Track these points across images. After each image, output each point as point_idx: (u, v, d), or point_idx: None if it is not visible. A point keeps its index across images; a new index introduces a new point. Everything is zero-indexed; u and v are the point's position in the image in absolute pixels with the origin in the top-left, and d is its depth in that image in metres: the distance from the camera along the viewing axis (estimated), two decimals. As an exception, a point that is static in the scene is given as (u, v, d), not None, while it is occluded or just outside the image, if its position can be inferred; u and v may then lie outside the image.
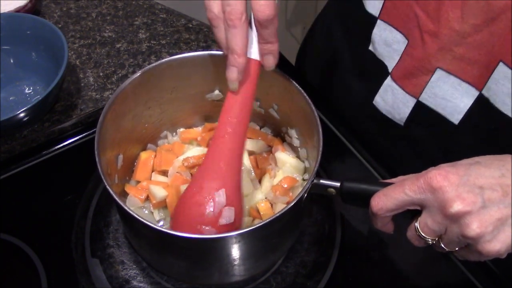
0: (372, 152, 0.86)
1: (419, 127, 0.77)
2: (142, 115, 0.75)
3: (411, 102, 0.74)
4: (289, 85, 0.69)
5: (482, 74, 0.65)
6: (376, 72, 0.78)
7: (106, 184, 0.59)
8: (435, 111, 0.72)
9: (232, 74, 0.57)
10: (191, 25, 1.10)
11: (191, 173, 0.75)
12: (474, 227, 0.49)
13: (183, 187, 0.72)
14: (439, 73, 0.69)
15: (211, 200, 0.60)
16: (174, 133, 0.82)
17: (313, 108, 0.66)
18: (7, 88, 0.96)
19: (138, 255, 0.74)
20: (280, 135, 0.80)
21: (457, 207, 0.50)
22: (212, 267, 0.66)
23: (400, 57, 0.73)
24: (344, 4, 0.86)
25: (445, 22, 0.65)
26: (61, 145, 0.87)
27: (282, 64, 0.99)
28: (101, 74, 1.01)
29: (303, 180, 0.75)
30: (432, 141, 0.77)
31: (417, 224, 0.54)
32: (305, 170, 0.76)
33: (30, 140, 0.87)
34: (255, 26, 0.57)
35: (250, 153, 0.78)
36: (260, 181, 0.75)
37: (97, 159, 0.61)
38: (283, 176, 0.74)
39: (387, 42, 0.75)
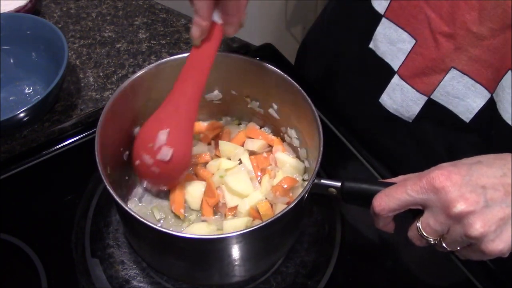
0: (372, 152, 0.86)
1: (427, 124, 0.77)
2: (142, 115, 0.75)
3: (422, 100, 0.75)
4: (289, 85, 0.69)
5: (494, 77, 0.66)
6: (378, 70, 0.78)
7: (106, 184, 0.59)
8: (446, 108, 0.72)
9: (196, 32, 0.62)
10: (191, 25, 1.10)
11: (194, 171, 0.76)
12: (477, 226, 0.49)
13: (188, 184, 0.73)
14: (453, 73, 0.69)
15: (156, 135, 0.67)
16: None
17: (313, 108, 0.66)
18: (7, 88, 0.96)
19: (138, 255, 0.74)
20: (280, 135, 0.80)
21: (460, 207, 0.50)
22: (212, 267, 0.66)
23: (407, 56, 0.73)
24: (348, 1, 0.86)
25: (462, 24, 0.65)
26: (61, 145, 0.87)
27: (282, 64, 1.00)
28: (101, 74, 1.01)
29: (303, 180, 0.75)
30: (439, 137, 0.77)
31: (419, 224, 0.54)
32: (305, 170, 0.76)
33: (30, 140, 0.87)
34: None
35: (251, 153, 0.78)
36: (260, 182, 0.75)
37: (97, 159, 0.61)
38: (283, 177, 0.74)
39: (391, 41, 0.75)
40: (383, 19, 0.75)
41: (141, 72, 0.70)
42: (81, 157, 0.80)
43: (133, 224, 0.63)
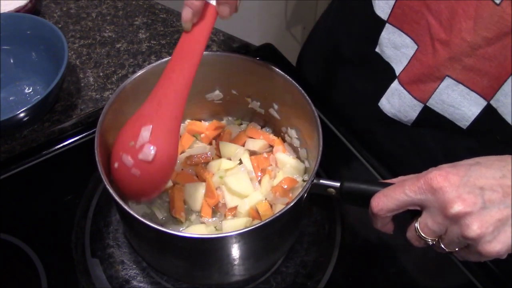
0: (372, 152, 0.86)
1: (426, 129, 0.77)
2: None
3: (418, 107, 0.75)
4: (289, 85, 0.69)
5: (491, 85, 0.65)
6: (382, 73, 0.78)
7: (106, 184, 0.59)
8: (442, 116, 0.72)
9: (187, 14, 0.58)
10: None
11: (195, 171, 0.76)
12: (474, 227, 0.49)
13: (188, 185, 0.73)
14: (448, 81, 0.69)
15: (138, 132, 0.60)
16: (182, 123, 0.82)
17: (313, 108, 0.66)
18: (7, 88, 0.96)
19: (138, 255, 0.74)
20: (280, 135, 0.80)
21: (457, 207, 0.50)
22: (212, 267, 0.66)
23: (409, 62, 0.73)
24: (351, 5, 0.86)
25: (457, 32, 0.65)
26: (61, 145, 0.87)
27: (282, 64, 1.00)
28: (101, 74, 1.01)
29: (303, 181, 0.75)
30: (437, 142, 0.77)
31: (417, 225, 0.54)
32: (305, 171, 0.76)
33: (30, 140, 0.87)
34: None
35: (251, 153, 0.78)
36: (260, 182, 0.75)
37: (97, 159, 0.61)
38: (283, 177, 0.74)
39: (395, 45, 0.75)
40: (387, 25, 0.74)
41: (141, 72, 0.70)
42: (81, 157, 0.80)
43: (133, 224, 0.63)
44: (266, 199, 0.72)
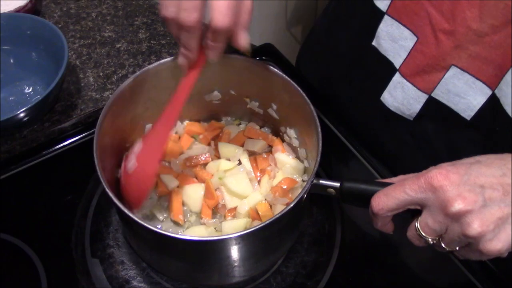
0: (372, 152, 0.86)
1: (428, 121, 0.77)
2: (141, 116, 0.75)
3: (422, 98, 0.74)
4: (287, 85, 0.69)
5: (496, 74, 0.65)
6: (380, 68, 0.78)
7: (105, 186, 0.59)
8: (447, 106, 0.72)
9: (183, 62, 0.63)
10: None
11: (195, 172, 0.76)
12: (475, 226, 0.49)
13: (187, 187, 0.73)
14: (453, 70, 0.69)
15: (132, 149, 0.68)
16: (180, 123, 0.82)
17: (312, 108, 0.66)
18: (7, 88, 0.96)
19: (138, 256, 0.74)
20: (280, 135, 0.80)
21: (458, 206, 0.50)
22: (212, 268, 0.66)
23: (409, 54, 0.73)
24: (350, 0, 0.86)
25: (462, 21, 0.65)
26: (61, 145, 0.87)
27: (282, 64, 0.99)
28: (101, 74, 1.01)
29: (303, 181, 0.75)
30: (439, 135, 0.77)
31: (417, 224, 0.54)
32: (305, 171, 0.76)
33: (30, 140, 0.87)
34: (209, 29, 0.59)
35: (250, 153, 0.78)
36: (259, 182, 0.75)
37: (96, 161, 0.61)
38: (282, 177, 0.74)
39: (393, 38, 0.75)
40: (386, 16, 0.75)
41: (141, 72, 0.70)
42: (81, 157, 0.80)
43: (132, 226, 0.63)
44: (265, 199, 0.72)
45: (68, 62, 0.91)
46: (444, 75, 0.70)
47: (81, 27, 1.10)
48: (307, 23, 1.85)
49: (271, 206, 0.72)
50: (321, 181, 0.61)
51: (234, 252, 0.61)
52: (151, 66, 0.70)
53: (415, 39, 0.72)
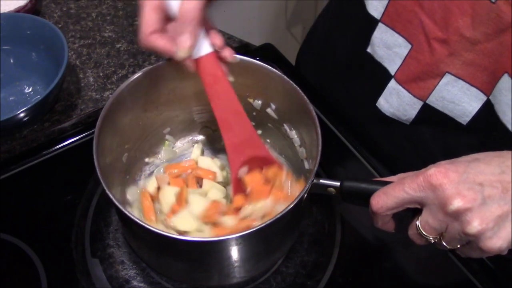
0: (372, 152, 0.86)
1: (425, 127, 0.77)
2: (140, 116, 0.75)
3: (418, 105, 0.75)
4: (288, 85, 0.69)
5: (490, 80, 0.66)
6: (375, 74, 0.78)
7: (104, 186, 0.59)
8: (442, 113, 0.73)
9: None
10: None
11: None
12: (475, 224, 0.49)
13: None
14: (448, 78, 0.69)
15: None
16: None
17: (312, 108, 0.66)
18: (7, 88, 0.96)
19: (138, 256, 0.74)
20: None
21: (457, 204, 0.50)
22: (212, 269, 0.66)
23: (404, 61, 0.74)
24: (345, 4, 0.86)
25: (455, 30, 0.66)
26: (61, 145, 0.87)
27: (282, 64, 1.00)
28: (101, 74, 1.01)
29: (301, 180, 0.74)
30: (436, 139, 0.77)
31: (418, 223, 0.54)
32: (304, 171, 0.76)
33: (30, 140, 0.87)
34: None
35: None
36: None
37: (95, 162, 0.61)
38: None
39: (388, 45, 0.75)
40: (380, 24, 0.75)
41: (140, 73, 0.70)
42: (81, 157, 0.80)
43: (132, 226, 0.63)
44: None
45: (68, 62, 0.91)
46: (439, 82, 0.70)
47: (81, 27, 1.10)
48: (307, 23, 1.86)
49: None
50: (321, 181, 0.61)
51: (234, 253, 0.61)
52: (150, 67, 0.70)
53: (409, 46, 0.72)
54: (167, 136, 0.82)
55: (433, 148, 0.78)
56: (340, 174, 0.86)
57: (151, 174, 0.80)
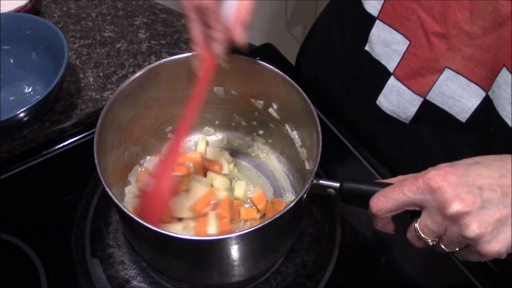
0: (372, 152, 0.86)
1: (424, 125, 0.77)
2: (141, 115, 0.75)
3: (417, 101, 0.75)
4: (288, 85, 0.69)
5: (489, 76, 0.66)
6: (374, 72, 0.78)
7: (105, 185, 0.59)
8: (442, 109, 0.73)
9: (195, 61, 0.66)
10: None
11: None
12: (473, 227, 0.49)
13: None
14: (447, 73, 0.69)
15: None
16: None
17: (312, 108, 0.66)
18: (7, 88, 0.96)
19: (138, 255, 0.74)
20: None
21: (456, 207, 0.50)
22: (212, 268, 0.66)
23: (402, 57, 0.74)
24: (343, 3, 0.86)
25: (454, 24, 0.66)
26: (61, 145, 0.87)
27: (282, 64, 1.00)
28: (101, 74, 1.01)
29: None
30: (436, 138, 0.77)
31: (416, 225, 0.54)
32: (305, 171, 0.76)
33: (30, 140, 0.87)
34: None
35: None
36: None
37: (96, 161, 0.61)
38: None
39: (385, 43, 0.75)
40: (377, 21, 0.75)
41: (141, 73, 0.70)
42: (81, 157, 0.80)
43: (132, 225, 0.63)
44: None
45: (68, 62, 0.91)
46: (438, 77, 0.71)
47: (81, 27, 1.10)
48: (307, 23, 1.86)
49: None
50: (321, 181, 0.61)
51: (234, 252, 0.61)
52: (151, 66, 0.71)
53: (407, 43, 0.72)
54: (169, 135, 0.82)
55: (432, 148, 0.78)
56: (340, 174, 0.86)
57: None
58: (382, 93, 0.79)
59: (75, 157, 0.86)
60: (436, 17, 0.67)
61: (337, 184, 0.60)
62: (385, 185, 0.56)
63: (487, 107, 0.68)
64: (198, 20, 0.62)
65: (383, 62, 0.77)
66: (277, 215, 0.57)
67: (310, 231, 0.77)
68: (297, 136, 0.76)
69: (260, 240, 0.63)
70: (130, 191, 0.76)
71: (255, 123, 0.82)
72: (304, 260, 0.74)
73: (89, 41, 1.07)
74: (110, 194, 0.59)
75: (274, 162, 0.84)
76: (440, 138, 0.77)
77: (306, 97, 0.67)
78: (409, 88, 0.75)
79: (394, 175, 0.59)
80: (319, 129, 0.64)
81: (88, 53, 1.04)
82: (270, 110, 0.77)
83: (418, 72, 0.72)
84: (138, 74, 0.69)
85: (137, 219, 0.57)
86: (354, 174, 0.86)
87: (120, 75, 1.00)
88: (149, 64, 0.99)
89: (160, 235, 0.57)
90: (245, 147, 0.85)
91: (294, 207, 0.59)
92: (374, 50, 0.78)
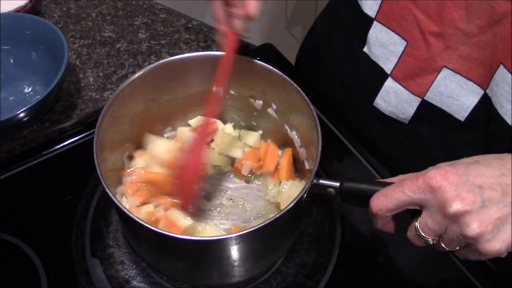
0: (371, 152, 0.86)
1: (423, 124, 0.77)
2: (141, 116, 0.75)
3: (416, 102, 0.75)
4: (288, 85, 0.69)
5: (486, 73, 0.66)
6: (372, 74, 0.79)
7: (104, 185, 0.59)
8: (440, 108, 0.73)
9: (220, 39, 0.68)
10: (191, 25, 1.10)
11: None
12: (474, 226, 0.49)
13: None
14: (445, 72, 0.70)
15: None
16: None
17: (312, 108, 0.66)
18: (7, 88, 0.96)
19: (138, 256, 0.74)
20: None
21: (456, 206, 0.50)
22: (212, 268, 0.66)
23: (400, 58, 0.74)
24: (341, 4, 0.86)
25: (450, 23, 0.66)
26: (61, 145, 0.87)
27: (282, 64, 1.00)
28: (101, 74, 1.01)
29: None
30: (436, 138, 0.77)
31: (417, 224, 0.54)
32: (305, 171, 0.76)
33: (30, 140, 0.87)
34: None
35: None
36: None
37: (95, 161, 0.61)
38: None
39: (383, 44, 0.75)
40: (375, 22, 0.75)
41: (141, 72, 0.70)
42: (81, 157, 0.80)
43: (132, 226, 0.63)
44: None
45: (68, 62, 0.91)
46: (436, 77, 0.71)
47: (81, 27, 1.10)
48: (307, 23, 1.86)
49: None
50: (321, 181, 0.61)
51: (234, 252, 0.61)
52: (151, 66, 0.70)
53: (404, 43, 0.72)
54: (168, 134, 0.82)
55: (432, 147, 0.78)
56: (340, 174, 0.86)
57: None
58: (379, 95, 0.79)
59: (75, 157, 0.86)
60: (432, 17, 0.67)
61: (337, 184, 0.60)
62: (385, 184, 0.56)
63: (485, 105, 0.68)
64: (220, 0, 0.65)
65: (381, 63, 0.77)
66: (277, 215, 0.57)
67: (310, 231, 0.77)
68: (296, 136, 0.76)
69: (260, 240, 0.63)
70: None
71: (254, 123, 0.82)
72: (304, 260, 0.74)
73: (89, 41, 1.07)
74: (110, 194, 0.59)
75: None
76: (439, 137, 0.77)
77: (306, 97, 0.67)
78: (406, 89, 0.75)
79: (394, 174, 0.59)
80: (319, 129, 0.64)
81: (88, 53, 1.04)
82: (270, 110, 0.77)
83: (415, 72, 0.72)
84: (138, 74, 0.69)
85: (137, 219, 0.57)
86: (354, 174, 0.86)
87: (120, 75, 1.00)
88: (149, 64, 0.99)
89: (160, 235, 0.57)
90: (245, 147, 0.85)
91: (294, 207, 0.59)
92: (372, 51, 0.78)
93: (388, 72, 0.76)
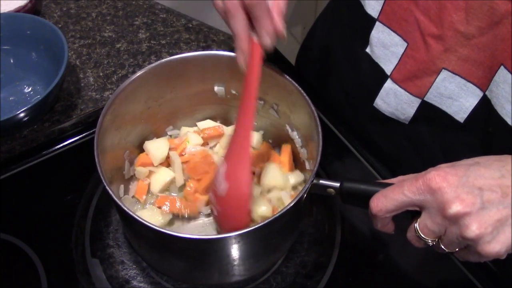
0: (372, 152, 0.86)
1: (423, 125, 0.77)
2: (141, 116, 0.75)
3: (415, 103, 0.75)
4: (289, 85, 0.69)
5: (486, 75, 0.66)
6: (373, 74, 0.79)
7: (105, 185, 0.59)
8: (440, 109, 0.73)
9: (240, 57, 0.62)
10: (191, 25, 1.10)
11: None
12: (473, 228, 0.49)
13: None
14: (444, 74, 0.70)
15: (218, 172, 0.66)
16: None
17: (313, 108, 0.66)
18: (7, 88, 0.96)
19: (138, 255, 0.74)
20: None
21: (456, 208, 0.50)
22: (212, 267, 0.66)
23: (400, 60, 0.74)
24: (342, 4, 0.86)
25: (449, 25, 0.66)
26: (61, 145, 0.87)
27: (282, 64, 0.99)
28: (101, 74, 1.01)
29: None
30: (436, 138, 0.77)
31: (416, 225, 0.54)
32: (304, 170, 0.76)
33: (30, 140, 0.87)
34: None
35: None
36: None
37: (96, 160, 0.61)
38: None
39: (384, 45, 0.75)
40: (377, 23, 0.75)
41: (141, 72, 0.70)
42: (81, 157, 0.80)
43: (132, 225, 0.63)
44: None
45: (68, 62, 0.91)
46: (436, 78, 0.71)
47: (81, 27, 1.10)
48: (307, 23, 1.85)
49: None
50: (321, 181, 0.61)
51: (234, 251, 0.61)
52: (151, 66, 0.70)
53: (405, 44, 0.72)
54: (170, 133, 0.82)
55: (432, 147, 0.79)
56: (340, 174, 0.86)
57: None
58: (379, 96, 0.79)
59: (75, 157, 0.86)
60: (432, 18, 0.67)
61: (337, 184, 0.60)
62: (385, 185, 0.56)
63: (485, 107, 0.68)
64: (242, 14, 0.60)
65: (382, 64, 0.77)
66: (277, 215, 0.57)
67: (310, 231, 0.77)
68: (297, 136, 0.76)
69: (260, 240, 0.63)
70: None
71: (255, 123, 0.82)
72: (304, 260, 0.75)
73: (89, 41, 1.07)
74: (111, 193, 0.59)
75: (274, 162, 0.84)
76: (439, 138, 0.77)
77: (306, 97, 0.67)
78: (406, 90, 0.75)
79: (394, 175, 0.59)
80: (320, 129, 0.64)
81: (88, 53, 1.04)
82: (270, 110, 0.77)
83: (415, 74, 0.72)
84: (138, 74, 0.69)
85: (137, 218, 0.57)
86: (354, 174, 0.86)
87: (120, 75, 1.00)
88: (149, 64, 0.99)
89: (161, 234, 0.57)
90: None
91: (294, 207, 0.59)
92: (374, 52, 0.78)
93: (388, 73, 0.76)
